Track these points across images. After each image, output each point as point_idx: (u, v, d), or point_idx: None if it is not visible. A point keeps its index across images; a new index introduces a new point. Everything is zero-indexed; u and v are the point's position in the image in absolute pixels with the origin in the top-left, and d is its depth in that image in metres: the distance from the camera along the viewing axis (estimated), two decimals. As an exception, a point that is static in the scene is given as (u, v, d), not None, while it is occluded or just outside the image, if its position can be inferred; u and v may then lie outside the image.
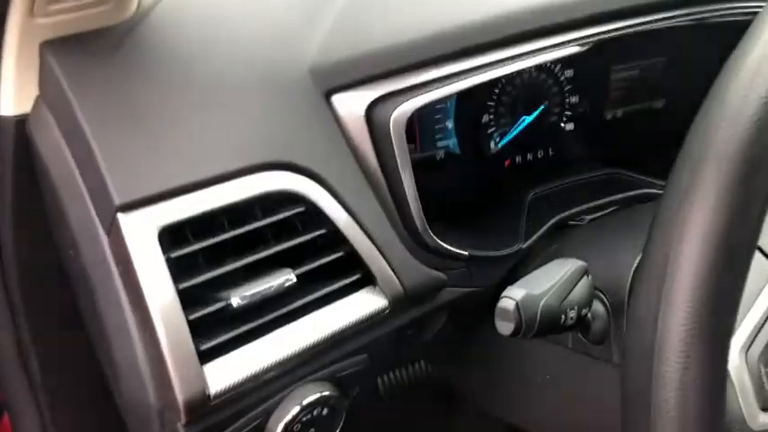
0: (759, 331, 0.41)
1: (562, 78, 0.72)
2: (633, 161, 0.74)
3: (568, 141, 0.76)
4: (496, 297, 0.43)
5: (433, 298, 0.57)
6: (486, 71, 0.54)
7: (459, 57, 0.53)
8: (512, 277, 0.62)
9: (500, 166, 0.73)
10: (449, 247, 0.56)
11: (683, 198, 0.32)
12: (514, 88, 0.70)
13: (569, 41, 0.56)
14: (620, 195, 0.68)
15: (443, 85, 0.53)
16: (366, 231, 0.51)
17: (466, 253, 0.57)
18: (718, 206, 0.31)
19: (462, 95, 0.62)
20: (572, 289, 0.43)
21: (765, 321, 0.41)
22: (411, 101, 0.52)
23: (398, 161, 0.52)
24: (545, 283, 0.42)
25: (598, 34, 0.56)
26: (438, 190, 0.60)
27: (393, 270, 0.52)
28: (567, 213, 0.66)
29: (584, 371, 0.53)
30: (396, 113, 0.51)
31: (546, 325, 0.42)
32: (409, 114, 0.52)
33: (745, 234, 0.32)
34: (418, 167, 0.54)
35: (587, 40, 0.56)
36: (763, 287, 0.41)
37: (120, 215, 0.43)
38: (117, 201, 0.43)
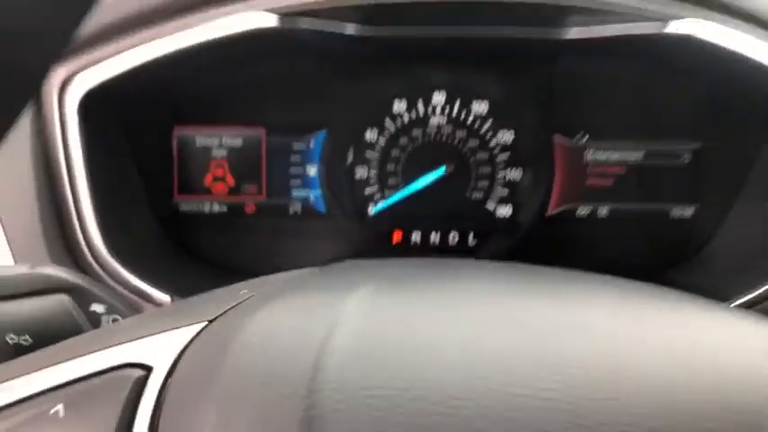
0: None
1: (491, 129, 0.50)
2: None
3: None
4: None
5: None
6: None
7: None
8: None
9: (377, 241, 0.52)
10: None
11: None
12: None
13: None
14: None
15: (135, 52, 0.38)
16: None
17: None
18: None
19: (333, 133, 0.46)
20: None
21: None
22: (92, 69, 0.38)
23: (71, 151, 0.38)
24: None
25: None
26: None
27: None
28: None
29: None
30: (71, 88, 0.38)
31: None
32: (85, 90, 0.38)
33: None
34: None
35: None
36: None
37: None
38: None
